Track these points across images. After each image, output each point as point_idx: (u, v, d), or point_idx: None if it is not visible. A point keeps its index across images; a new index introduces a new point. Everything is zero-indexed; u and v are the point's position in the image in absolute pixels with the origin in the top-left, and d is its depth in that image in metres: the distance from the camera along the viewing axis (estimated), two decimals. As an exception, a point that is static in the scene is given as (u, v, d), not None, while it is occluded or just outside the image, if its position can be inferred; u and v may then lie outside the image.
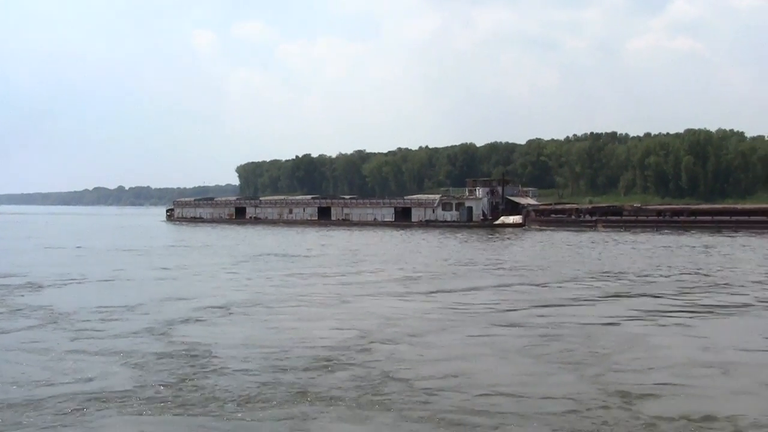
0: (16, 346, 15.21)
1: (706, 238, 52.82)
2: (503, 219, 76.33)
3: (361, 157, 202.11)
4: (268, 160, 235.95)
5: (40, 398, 11.17)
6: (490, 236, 61.29)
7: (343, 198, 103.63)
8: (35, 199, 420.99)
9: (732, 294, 23.18)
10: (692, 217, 65.39)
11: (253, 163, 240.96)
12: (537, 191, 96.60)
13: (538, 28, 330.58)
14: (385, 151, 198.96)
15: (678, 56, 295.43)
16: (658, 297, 22.51)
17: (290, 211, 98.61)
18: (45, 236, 66.17)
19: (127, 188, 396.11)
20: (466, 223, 78.49)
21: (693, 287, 24.87)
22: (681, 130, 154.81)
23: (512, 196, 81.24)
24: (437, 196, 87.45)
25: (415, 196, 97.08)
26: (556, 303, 21.33)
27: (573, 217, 72.86)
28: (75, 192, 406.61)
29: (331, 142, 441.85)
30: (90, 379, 12.36)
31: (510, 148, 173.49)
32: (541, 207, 79.28)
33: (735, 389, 11.85)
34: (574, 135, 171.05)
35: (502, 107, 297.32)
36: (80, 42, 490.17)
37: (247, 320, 18.61)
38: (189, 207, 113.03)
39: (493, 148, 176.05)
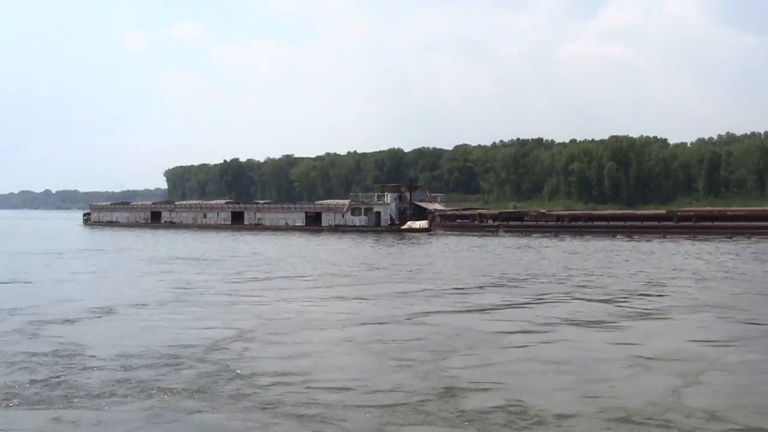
0: None
1: (597, 243, 53.10)
2: (410, 224, 76.85)
3: (290, 161, 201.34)
4: (196, 164, 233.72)
5: None
6: (391, 241, 61.35)
7: (257, 203, 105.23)
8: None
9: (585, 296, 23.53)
10: (589, 222, 65.77)
11: (181, 167, 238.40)
12: (445, 197, 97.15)
13: (472, 33, 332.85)
14: (314, 156, 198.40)
15: (609, 63, 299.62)
16: (524, 299, 22.74)
17: (204, 216, 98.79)
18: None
19: (54, 192, 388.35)
20: (374, 227, 78.95)
21: (551, 290, 25.04)
22: (607, 137, 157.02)
23: (420, 201, 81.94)
24: (346, 202, 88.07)
25: (325, 201, 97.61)
26: (430, 307, 21.02)
27: (476, 222, 73.05)
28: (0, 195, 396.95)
29: (263, 146, 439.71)
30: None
31: (437, 154, 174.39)
32: (448, 212, 79.45)
33: (559, 385, 12.02)
34: (501, 141, 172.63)
35: (435, 112, 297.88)
36: (5, 42, 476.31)
37: (126, 321, 18.74)
38: (105, 211, 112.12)
39: (421, 153, 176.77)
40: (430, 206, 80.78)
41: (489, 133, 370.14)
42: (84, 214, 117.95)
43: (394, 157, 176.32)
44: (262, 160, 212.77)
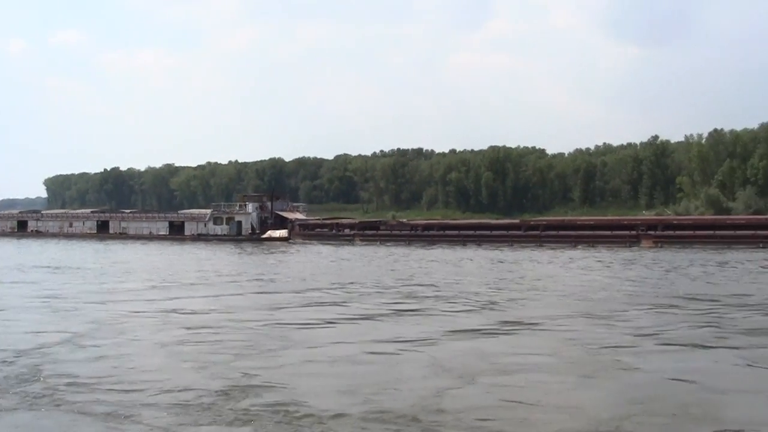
0: None
1: (432, 251, 54.26)
2: (270, 233, 77.38)
3: (171, 170, 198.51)
4: (77, 172, 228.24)
5: None
6: (248, 249, 62.19)
7: (123, 212, 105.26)
8: None
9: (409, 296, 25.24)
10: (441, 232, 66.91)
11: (61, 175, 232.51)
12: (307, 206, 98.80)
13: (360, 42, 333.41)
14: (195, 165, 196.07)
15: (495, 73, 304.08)
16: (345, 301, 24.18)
17: (71, 225, 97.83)
18: None
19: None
20: (235, 236, 79.37)
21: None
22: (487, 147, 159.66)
23: (281, 211, 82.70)
24: (209, 211, 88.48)
25: (188, 211, 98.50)
26: (268, 308, 22.60)
27: (334, 231, 73.51)
28: None
29: (147, 155, 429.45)
30: None
31: (318, 163, 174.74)
32: (309, 222, 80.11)
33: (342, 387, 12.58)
34: (381, 151, 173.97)
35: (321, 121, 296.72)
36: None
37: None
38: None
39: (301, 162, 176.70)
40: (291, 216, 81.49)
41: (374, 143, 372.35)
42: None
43: (275, 166, 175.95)
44: (143, 169, 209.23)
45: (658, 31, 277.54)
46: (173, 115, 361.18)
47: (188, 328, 18.79)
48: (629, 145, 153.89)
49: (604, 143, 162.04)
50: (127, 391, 12.18)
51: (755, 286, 27.64)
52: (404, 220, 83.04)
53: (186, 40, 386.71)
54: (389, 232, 70.00)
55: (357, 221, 79.13)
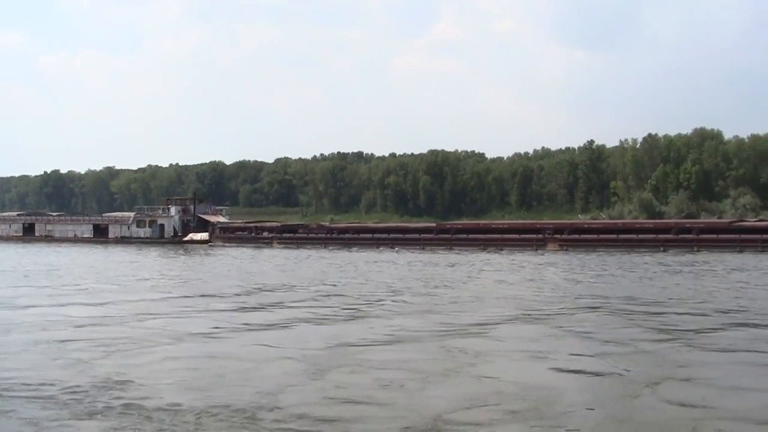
0: None
1: (358, 253, 56.59)
2: (191, 236, 78.19)
3: (111, 173, 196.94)
4: (17, 175, 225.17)
5: None
6: (163, 252, 62.97)
7: (49, 215, 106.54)
8: None
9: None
10: (356, 235, 68.12)
11: (1, 178, 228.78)
12: (230, 210, 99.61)
13: (304, 46, 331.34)
14: (135, 168, 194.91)
15: (438, 77, 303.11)
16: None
17: None
18: None
19: None
20: (158, 239, 80.00)
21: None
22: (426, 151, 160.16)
23: (204, 214, 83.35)
24: (132, 214, 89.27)
25: (112, 214, 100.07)
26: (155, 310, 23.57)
27: (253, 234, 74.29)
28: None
29: (88, 158, 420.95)
30: None
31: (258, 167, 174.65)
32: (230, 225, 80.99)
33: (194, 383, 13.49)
34: (321, 154, 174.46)
35: (263, 124, 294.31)
36: None
37: None
38: None
39: (242, 166, 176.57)
40: (213, 219, 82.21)
41: (315, 146, 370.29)
42: None
43: (216, 169, 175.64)
44: (83, 172, 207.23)
45: (605, 35, 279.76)
46: (114, 117, 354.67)
47: (79, 327, 19.73)
48: (567, 149, 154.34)
49: (543, 147, 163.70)
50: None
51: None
52: (325, 223, 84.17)
53: (128, 43, 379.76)
54: (306, 235, 71.08)
55: (278, 224, 79.93)
